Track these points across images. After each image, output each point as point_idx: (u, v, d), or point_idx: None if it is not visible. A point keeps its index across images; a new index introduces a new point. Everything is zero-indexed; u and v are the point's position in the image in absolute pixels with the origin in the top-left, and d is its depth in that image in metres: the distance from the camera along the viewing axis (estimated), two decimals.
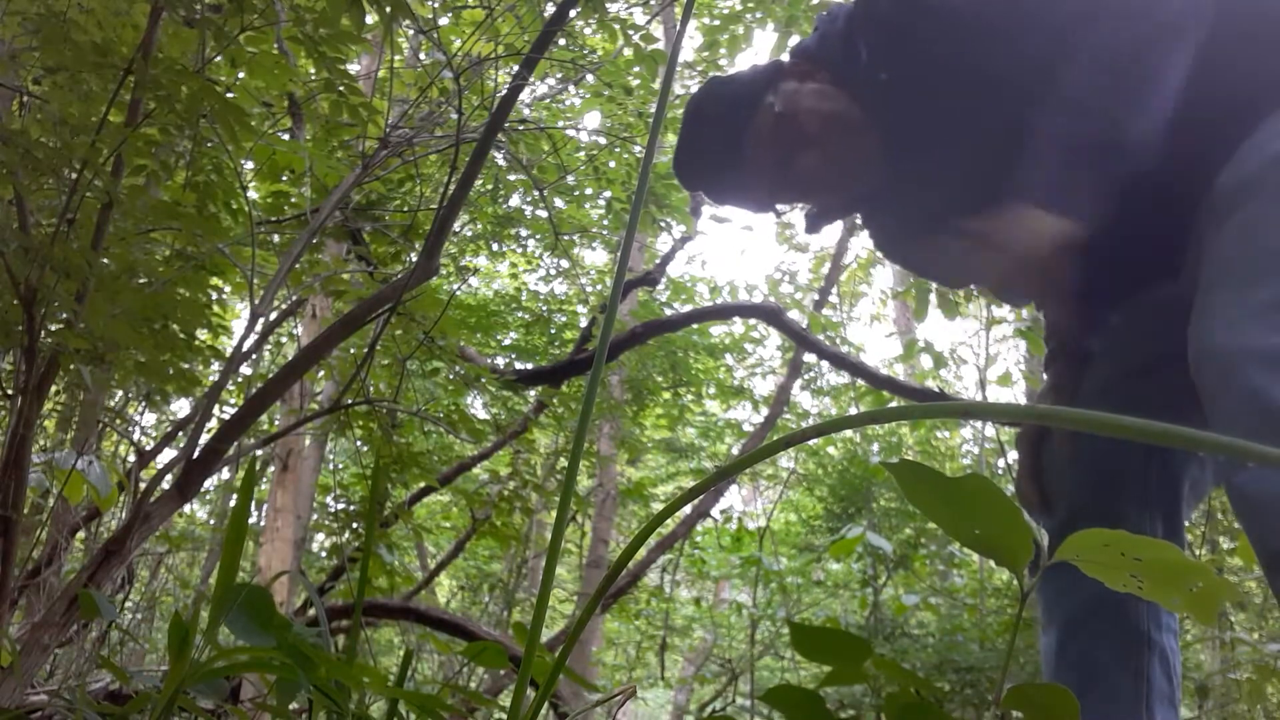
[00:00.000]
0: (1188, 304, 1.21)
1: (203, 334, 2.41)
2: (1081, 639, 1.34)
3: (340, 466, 5.92)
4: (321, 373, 3.82)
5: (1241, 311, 1.09)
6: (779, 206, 1.51)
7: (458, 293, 6.26)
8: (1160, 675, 1.31)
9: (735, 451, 8.08)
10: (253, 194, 3.48)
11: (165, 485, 1.74)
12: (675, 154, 1.51)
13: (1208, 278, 1.17)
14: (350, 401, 2.44)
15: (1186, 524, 1.43)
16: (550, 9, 2.93)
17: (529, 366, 5.63)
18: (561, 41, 4.70)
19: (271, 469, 4.54)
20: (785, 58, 1.53)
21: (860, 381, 5.53)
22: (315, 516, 4.71)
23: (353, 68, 4.20)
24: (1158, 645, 1.32)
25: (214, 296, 2.75)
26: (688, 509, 6.48)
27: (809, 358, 6.54)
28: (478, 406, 5.67)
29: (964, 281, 1.78)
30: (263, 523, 4.41)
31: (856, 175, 1.43)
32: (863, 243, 8.12)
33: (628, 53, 4.02)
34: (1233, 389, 1.06)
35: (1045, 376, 1.58)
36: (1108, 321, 1.50)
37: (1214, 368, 1.10)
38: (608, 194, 5.42)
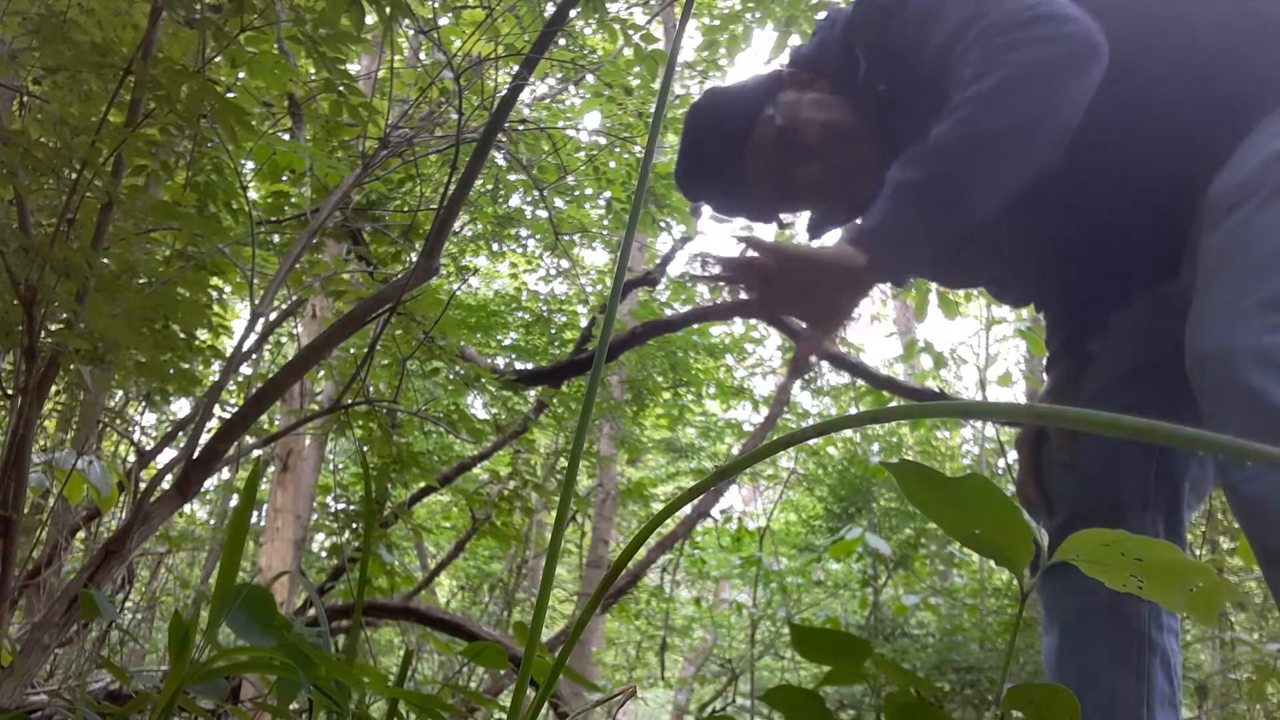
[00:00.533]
0: (1187, 303, 1.21)
1: (203, 334, 2.41)
2: (1082, 640, 1.34)
3: (340, 466, 5.92)
4: (321, 373, 3.82)
5: (1237, 311, 1.09)
6: (782, 216, 1.51)
7: (458, 293, 6.26)
8: (1161, 676, 1.31)
9: (735, 451, 8.08)
10: (253, 194, 3.48)
11: (165, 485, 1.74)
12: (676, 167, 1.50)
13: (1204, 278, 1.18)
14: (350, 401, 2.44)
15: (1187, 523, 1.43)
16: (550, 9, 2.93)
17: (529, 366, 5.63)
18: (561, 41, 4.70)
19: (271, 469, 4.54)
20: (784, 61, 1.53)
21: (860, 381, 5.53)
22: (315, 516, 4.71)
23: (353, 68, 4.21)
24: (1159, 646, 1.32)
25: (214, 296, 2.75)
26: (688, 509, 6.47)
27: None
28: (478, 406, 5.67)
29: (969, 284, 1.78)
30: (263, 523, 4.41)
31: (858, 183, 1.43)
32: None
33: (628, 53, 4.03)
34: (1229, 388, 1.06)
35: (1046, 378, 1.58)
36: (1107, 323, 1.50)
37: (1210, 367, 1.10)
38: (608, 194, 5.43)
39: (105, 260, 1.77)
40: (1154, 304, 1.41)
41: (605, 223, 5.87)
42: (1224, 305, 1.12)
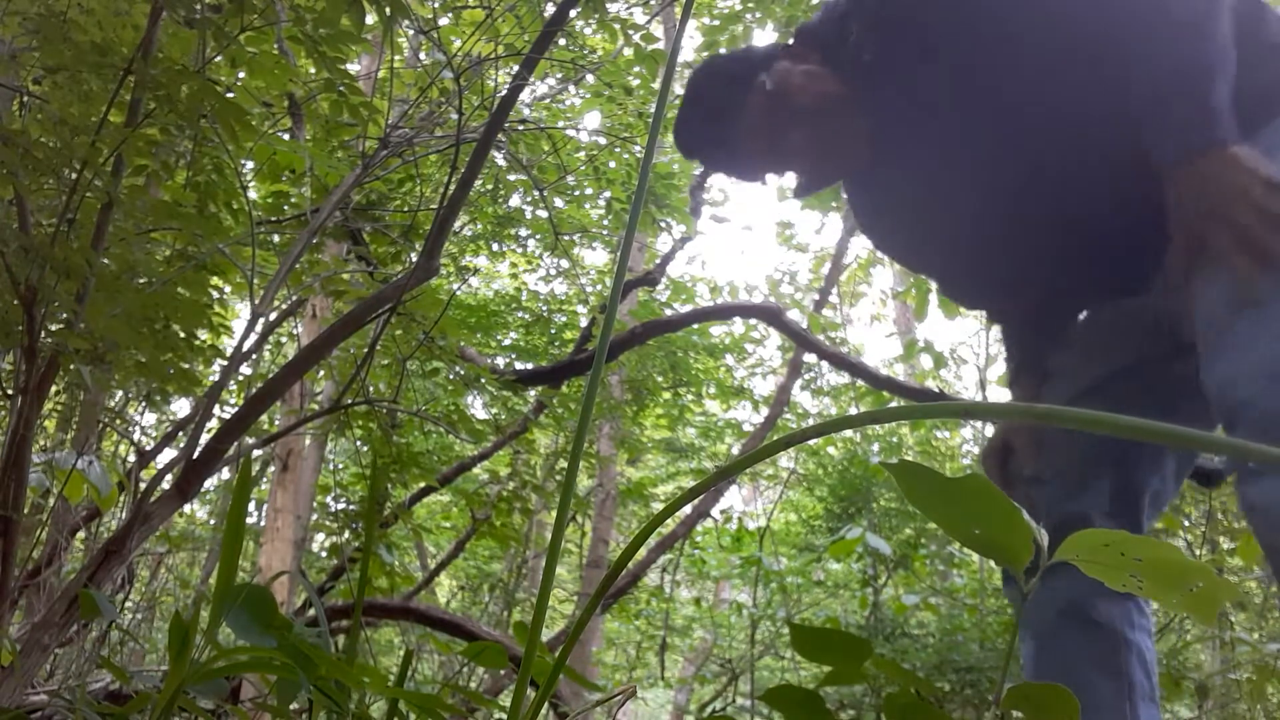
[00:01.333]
0: (1153, 316, 1.23)
1: (203, 334, 2.41)
2: (1058, 645, 1.36)
3: (340, 466, 5.91)
4: (321, 373, 3.82)
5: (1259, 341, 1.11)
6: (769, 176, 1.56)
7: (458, 293, 6.26)
8: (1140, 673, 1.33)
9: (735, 451, 8.08)
10: (253, 194, 3.47)
11: (165, 485, 1.74)
12: (675, 124, 1.56)
13: (1219, 308, 1.18)
14: (350, 401, 2.44)
15: (1186, 525, 1.46)
16: (550, 9, 2.93)
17: (529, 366, 5.62)
18: (561, 41, 4.70)
19: (271, 469, 4.54)
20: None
21: (860, 381, 5.53)
22: (315, 516, 4.71)
23: (353, 68, 4.20)
24: (1134, 644, 1.34)
25: (214, 296, 2.75)
26: (688, 509, 6.47)
27: (809, 358, 6.54)
28: (478, 406, 5.67)
29: (923, 270, 1.81)
30: (263, 523, 4.41)
31: (842, 152, 1.48)
32: (863, 243, 8.13)
33: (628, 53, 4.02)
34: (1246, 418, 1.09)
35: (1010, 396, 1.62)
36: (1065, 339, 1.54)
37: (1229, 398, 1.12)
38: (608, 194, 5.42)
39: (105, 260, 1.77)
40: (1115, 317, 1.43)
41: (605, 223, 5.87)
42: (1243, 334, 1.13)
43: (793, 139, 1.46)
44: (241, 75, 2.35)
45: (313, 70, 2.52)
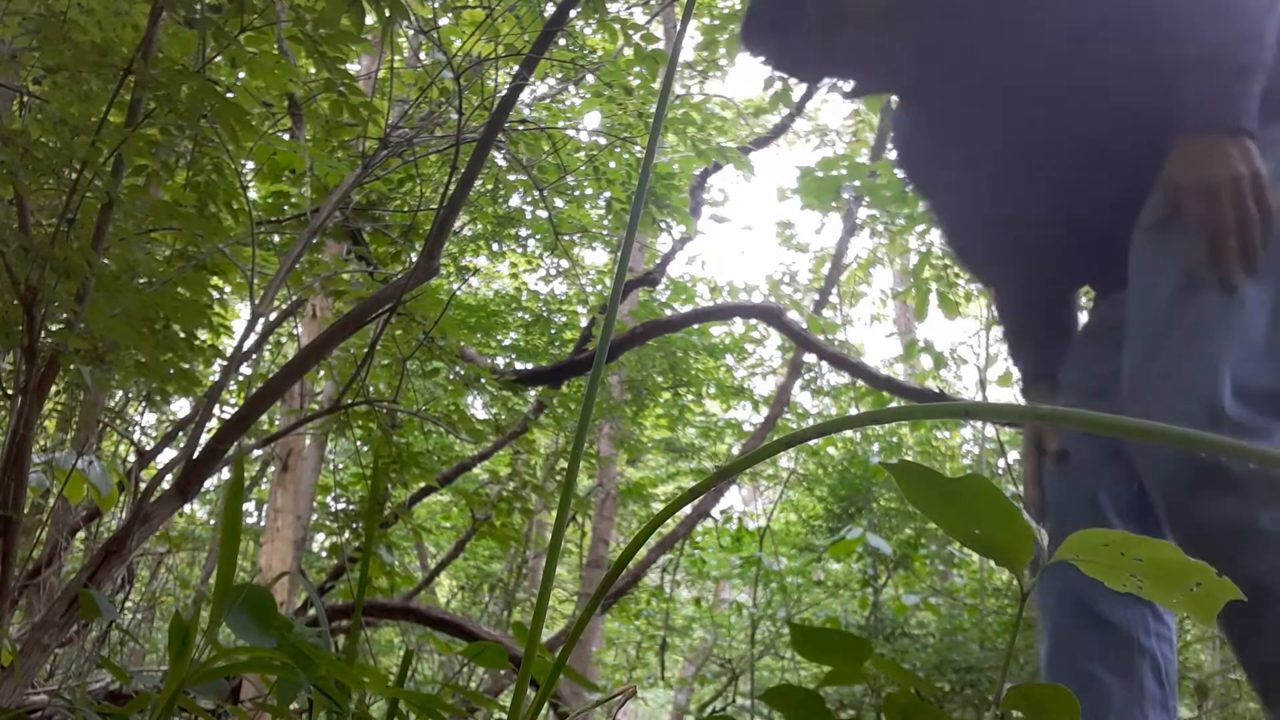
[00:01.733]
0: None
1: (203, 334, 2.41)
2: (1070, 646, 1.35)
3: (340, 466, 5.91)
4: (321, 373, 3.82)
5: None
6: (826, 80, 1.63)
7: (458, 293, 6.26)
8: (1152, 680, 1.32)
9: (735, 451, 8.08)
10: (253, 194, 3.47)
11: (165, 485, 1.74)
12: (740, 24, 1.61)
13: (1159, 278, 1.22)
14: (350, 401, 2.44)
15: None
16: (550, 9, 2.93)
17: (529, 366, 5.62)
18: (561, 41, 4.70)
19: (271, 469, 4.54)
20: None
21: (860, 381, 5.53)
22: (315, 516, 4.71)
23: (353, 68, 4.20)
24: (1149, 651, 1.33)
25: (214, 296, 2.74)
26: (688, 509, 6.47)
27: (809, 358, 6.54)
28: (478, 406, 5.67)
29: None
30: (263, 523, 4.40)
31: (886, 65, 1.52)
32: (863, 243, 8.13)
33: (628, 53, 4.02)
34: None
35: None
36: (1072, 344, 1.55)
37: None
38: (608, 194, 5.42)
39: (105, 260, 1.77)
40: (1114, 313, 1.43)
41: (605, 223, 5.87)
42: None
43: (844, 43, 1.50)
44: (241, 75, 2.35)
45: (313, 70, 2.52)
